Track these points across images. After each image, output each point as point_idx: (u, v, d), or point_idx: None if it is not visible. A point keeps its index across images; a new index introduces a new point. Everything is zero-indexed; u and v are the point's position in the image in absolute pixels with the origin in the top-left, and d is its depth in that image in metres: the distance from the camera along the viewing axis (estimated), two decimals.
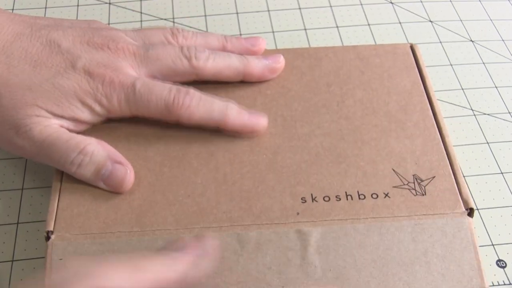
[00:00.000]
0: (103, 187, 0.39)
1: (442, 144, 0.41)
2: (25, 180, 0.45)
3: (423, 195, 0.39)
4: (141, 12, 0.58)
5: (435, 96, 0.44)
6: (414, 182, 0.39)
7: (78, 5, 0.58)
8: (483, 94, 0.52)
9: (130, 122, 0.41)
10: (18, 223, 0.42)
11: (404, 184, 0.39)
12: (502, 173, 0.46)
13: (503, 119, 0.50)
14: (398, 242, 0.37)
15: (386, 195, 0.39)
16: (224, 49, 0.45)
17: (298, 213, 0.38)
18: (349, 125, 0.42)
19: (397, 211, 0.38)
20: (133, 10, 0.58)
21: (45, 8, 0.58)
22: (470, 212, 0.38)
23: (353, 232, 0.37)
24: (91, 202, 0.38)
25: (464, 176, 0.40)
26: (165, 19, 0.57)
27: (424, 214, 0.38)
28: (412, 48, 0.47)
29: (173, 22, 0.56)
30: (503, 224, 0.44)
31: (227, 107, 0.41)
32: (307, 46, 0.54)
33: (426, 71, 0.45)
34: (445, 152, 0.41)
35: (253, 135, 0.41)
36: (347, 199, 0.38)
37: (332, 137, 0.41)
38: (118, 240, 0.36)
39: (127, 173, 0.39)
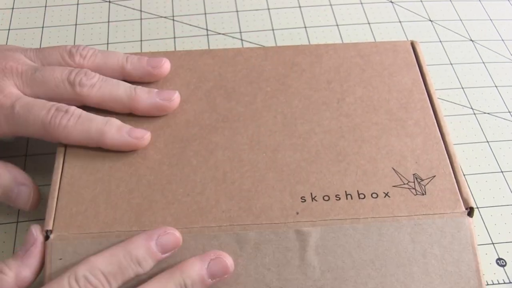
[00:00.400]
0: (12, 205, 0.41)
1: (442, 142, 0.41)
2: None
3: (423, 194, 0.39)
4: (141, 10, 0.57)
5: (435, 94, 0.43)
6: (414, 182, 0.39)
7: (78, 4, 0.58)
8: (483, 93, 0.52)
9: (128, 120, 0.41)
10: (17, 222, 0.42)
11: (404, 184, 0.39)
12: (502, 172, 0.46)
13: (503, 118, 0.50)
14: (397, 242, 0.37)
15: (386, 194, 0.38)
16: (123, 71, 0.44)
17: (297, 213, 0.38)
18: (349, 122, 0.42)
19: (397, 211, 0.38)
20: (133, 8, 0.58)
21: (45, 7, 0.58)
22: (470, 211, 0.38)
23: (352, 232, 0.37)
24: (90, 201, 0.38)
25: (464, 175, 0.40)
26: (165, 17, 0.57)
27: (424, 214, 0.38)
28: (412, 45, 0.46)
29: (173, 19, 0.56)
30: (503, 223, 0.44)
31: (105, 124, 0.40)
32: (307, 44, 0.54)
33: (427, 69, 0.45)
34: (445, 151, 0.40)
35: (136, 149, 0.41)
36: (346, 199, 0.38)
37: (332, 135, 0.41)
38: (117, 240, 0.36)
39: (32, 193, 0.41)
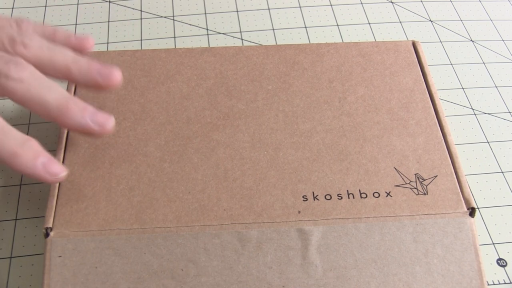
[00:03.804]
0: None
1: (444, 142, 0.41)
2: (23, 176, 0.44)
3: (425, 194, 0.38)
4: (141, 10, 0.57)
5: (437, 94, 0.43)
6: (416, 181, 0.39)
7: (78, 4, 0.58)
8: (484, 94, 0.52)
9: (129, 117, 0.41)
10: (16, 219, 0.42)
11: (406, 183, 0.39)
12: (502, 172, 0.46)
13: (503, 119, 0.50)
14: (399, 242, 0.37)
15: (388, 194, 0.38)
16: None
17: (299, 212, 0.38)
18: (350, 122, 0.42)
19: (399, 210, 0.38)
20: (133, 8, 0.57)
21: (45, 6, 0.58)
22: (472, 211, 0.38)
23: (354, 232, 0.37)
24: (90, 198, 0.38)
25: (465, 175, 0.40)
26: (165, 17, 0.57)
27: (425, 214, 0.38)
28: (414, 45, 0.47)
29: (173, 19, 0.56)
30: (503, 223, 0.44)
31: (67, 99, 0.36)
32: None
33: (428, 69, 0.45)
34: (447, 151, 0.40)
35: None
36: (348, 198, 0.38)
37: (333, 134, 0.41)
38: (117, 237, 0.36)
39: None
